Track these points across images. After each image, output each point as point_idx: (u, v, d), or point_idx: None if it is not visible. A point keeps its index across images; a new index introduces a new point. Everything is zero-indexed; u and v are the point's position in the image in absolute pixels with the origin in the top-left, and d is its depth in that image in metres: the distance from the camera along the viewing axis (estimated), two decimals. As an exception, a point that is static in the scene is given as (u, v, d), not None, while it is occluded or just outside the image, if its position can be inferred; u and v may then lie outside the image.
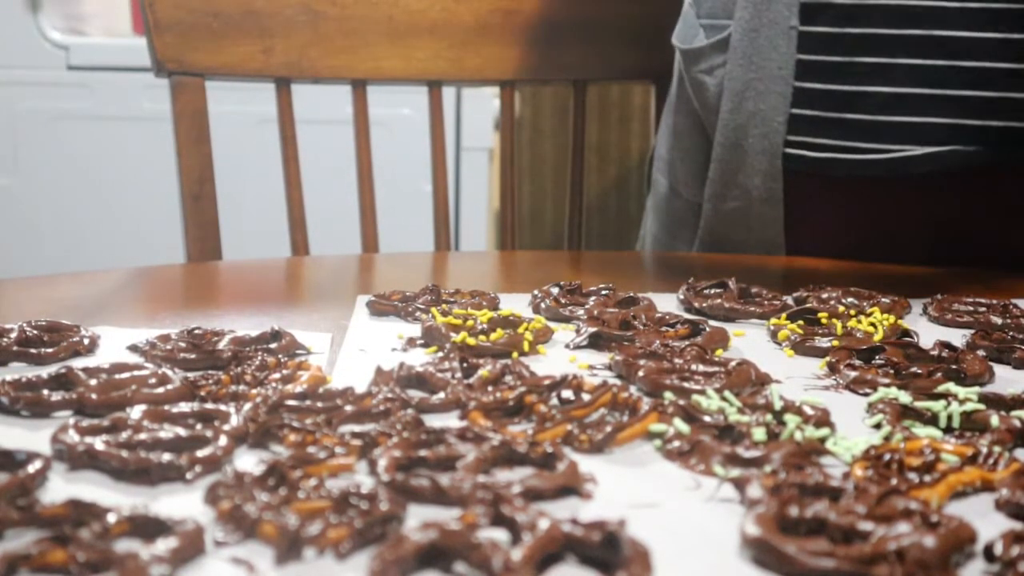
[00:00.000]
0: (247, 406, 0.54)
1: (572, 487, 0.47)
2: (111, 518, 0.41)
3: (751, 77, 1.00)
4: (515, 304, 0.79)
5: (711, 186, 1.05)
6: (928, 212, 1.01)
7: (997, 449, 0.51)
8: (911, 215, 1.02)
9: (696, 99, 1.08)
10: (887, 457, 0.49)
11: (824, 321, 0.75)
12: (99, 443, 0.49)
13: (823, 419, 0.55)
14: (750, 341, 0.73)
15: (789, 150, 1.01)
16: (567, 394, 0.58)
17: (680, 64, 1.10)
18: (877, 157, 0.99)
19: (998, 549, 0.41)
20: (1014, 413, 0.56)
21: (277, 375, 0.60)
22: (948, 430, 0.55)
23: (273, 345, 0.66)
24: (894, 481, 0.47)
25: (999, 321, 0.77)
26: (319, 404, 0.55)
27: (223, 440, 0.50)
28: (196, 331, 0.68)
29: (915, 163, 0.97)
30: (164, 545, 0.39)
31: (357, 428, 0.52)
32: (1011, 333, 0.73)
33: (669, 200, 1.16)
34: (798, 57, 0.99)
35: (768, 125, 1.00)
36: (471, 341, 0.67)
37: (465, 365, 0.62)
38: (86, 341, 0.67)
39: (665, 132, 1.16)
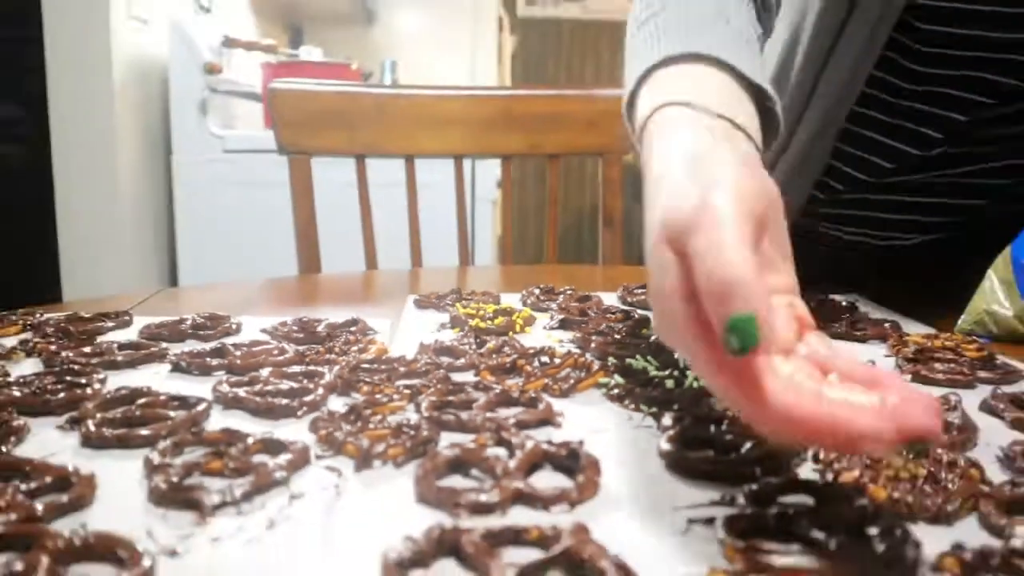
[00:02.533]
0: (336, 368, 0.54)
1: (548, 420, 0.47)
2: (250, 440, 0.41)
3: None
4: (511, 300, 0.79)
5: None
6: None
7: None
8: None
9: None
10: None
11: (711, 310, 0.75)
12: (242, 392, 0.49)
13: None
14: (663, 323, 0.73)
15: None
16: (545, 359, 0.57)
17: None
18: (879, 243, 0.87)
19: (821, 454, 0.41)
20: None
21: (355, 348, 0.60)
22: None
23: (353, 328, 0.66)
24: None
25: (821, 308, 0.76)
26: (382, 367, 0.55)
27: (320, 390, 0.50)
28: (303, 319, 0.68)
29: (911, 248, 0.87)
30: (283, 458, 0.39)
31: (407, 382, 0.52)
32: (829, 316, 0.71)
33: None
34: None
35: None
36: (482, 325, 0.67)
37: (478, 340, 0.62)
38: (234, 326, 0.67)
39: None
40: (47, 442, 0.43)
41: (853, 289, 0.85)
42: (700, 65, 0.50)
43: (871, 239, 0.89)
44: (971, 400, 0.51)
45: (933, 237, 0.86)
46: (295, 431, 0.44)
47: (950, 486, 0.37)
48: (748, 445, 0.41)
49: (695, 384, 0.52)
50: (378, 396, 0.49)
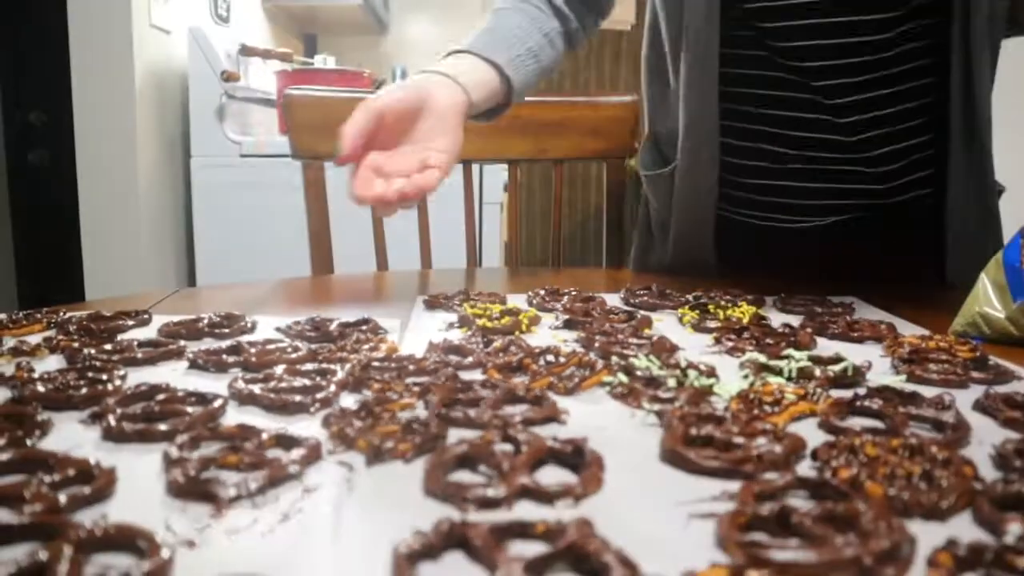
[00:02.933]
0: (348, 366, 0.54)
1: (553, 417, 0.47)
2: (264, 435, 0.41)
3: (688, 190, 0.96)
4: (517, 301, 0.79)
5: (677, 244, 1.01)
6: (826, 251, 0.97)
7: (819, 390, 0.51)
8: (818, 253, 0.97)
9: (652, 195, 1.04)
10: (751, 396, 0.49)
11: (712, 310, 0.75)
12: (257, 388, 0.49)
13: (711, 372, 0.54)
14: (665, 324, 0.73)
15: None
16: (550, 358, 0.57)
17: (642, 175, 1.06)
18: (790, 226, 0.96)
19: (819, 453, 0.41)
20: (829, 368, 0.56)
21: (367, 346, 0.60)
22: (789, 379, 0.55)
23: (364, 327, 0.66)
24: (756, 411, 0.47)
25: (819, 310, 0.77)
26: (393, 365, 0.55)
27: (333, 387, 0.50)
28: (316, 318, 0.68)
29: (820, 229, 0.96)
30: (297, 453, 0.39)
31: (417, 380, 0.52)
32: (827, 318, 0.73)
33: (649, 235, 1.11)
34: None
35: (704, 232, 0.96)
36: (489, 324, 0.67)
37: (485, 339, 0.62)
38: (249, 324, 0.67)
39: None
40: (70, 436, 0.43)
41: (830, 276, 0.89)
42: (469, 55, 0.85)
43: (783, 223, 0.97)
44: (964, 400, 0.50)
45: (844, 217, 0.95)
46: (308, 427, 0.44)
47: (944, 483, 0.36)
48: (750, 442, 0.41)
49: (696, 384, 0.51)
50: (388, 393, 0.49)
